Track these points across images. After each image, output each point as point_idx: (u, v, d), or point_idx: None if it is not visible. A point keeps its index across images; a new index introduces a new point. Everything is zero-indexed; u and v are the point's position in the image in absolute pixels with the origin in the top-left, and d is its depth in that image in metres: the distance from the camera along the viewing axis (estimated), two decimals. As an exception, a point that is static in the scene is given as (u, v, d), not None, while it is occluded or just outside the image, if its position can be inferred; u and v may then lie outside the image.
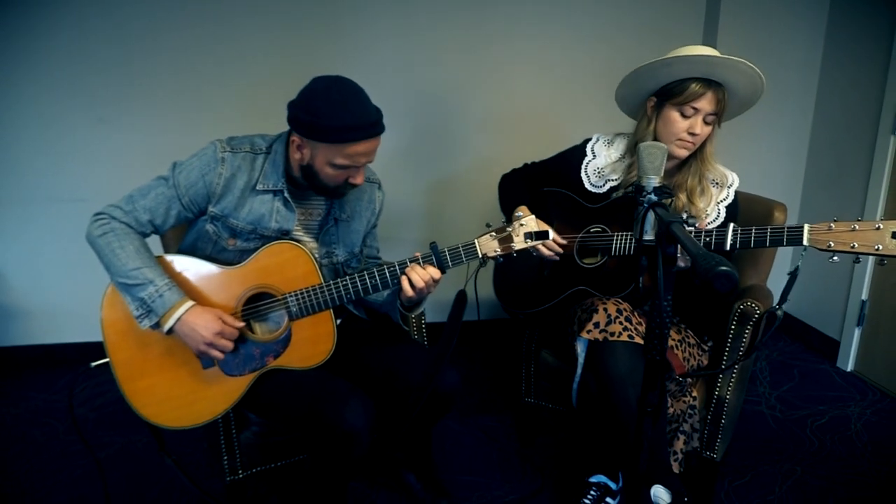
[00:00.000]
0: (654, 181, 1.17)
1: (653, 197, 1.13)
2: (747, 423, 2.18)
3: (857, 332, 2.54)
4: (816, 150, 2.78)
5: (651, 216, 1.09)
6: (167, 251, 1.61)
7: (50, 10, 2.26)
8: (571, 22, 2.58)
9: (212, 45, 2.38)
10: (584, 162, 1.72)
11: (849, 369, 2.57)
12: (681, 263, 1.18)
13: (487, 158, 2.63)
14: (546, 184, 1.79)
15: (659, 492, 1.39)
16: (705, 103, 1.48)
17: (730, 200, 1.62)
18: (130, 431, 2.08)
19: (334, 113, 1.27)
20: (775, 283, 1.45)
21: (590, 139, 1.75)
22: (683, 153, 1.55)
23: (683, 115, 1.50)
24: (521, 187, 1.79)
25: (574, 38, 2.59)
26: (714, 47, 2.59)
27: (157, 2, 2.32)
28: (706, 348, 1.69)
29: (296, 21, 2.42)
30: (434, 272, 1.37)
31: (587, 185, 1.71)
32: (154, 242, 1.52)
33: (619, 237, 1.58)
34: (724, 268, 0.75)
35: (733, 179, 1.64)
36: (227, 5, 2.36)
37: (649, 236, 1.13)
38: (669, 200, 1.57)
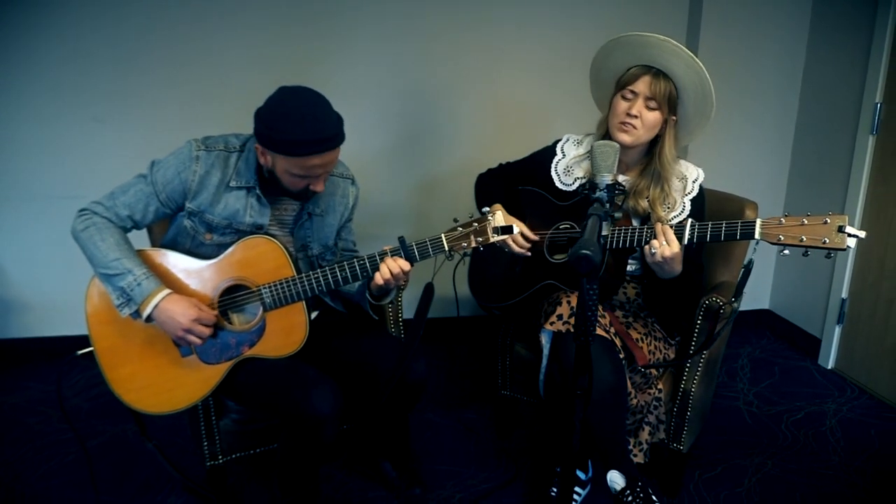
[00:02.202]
0: (606, 178, 1.23)
1: (603, 194, 1.19)
2: (722, 417, 2.21)
3: (837, 330, 2.57)
4: (800, 150, 2.81)
5: (602, 212, 1.14)
6: (154, 245, 1.68)
7: (47, 10, 2.32)
8: (554, 25, 2.62)
9: (207, 43, 2.43)
10: (554, 161, 1.77)
11: (829, 367, 2.60)
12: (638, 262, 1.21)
13: (470, 158, 2.67)
14: (520, 183, 1.84)
15: (614, 476, 1.44)
16: (641, 85, 1.55)
17: (695, 194, 1.66)
18: (121, 420, 2.15)
19: (289, 128, 1.32)
20: (750, 280, 1.50)
21: (560, 140, 1.80)
22: (625, 138, 1.57)
23: (624, 99, 1.58)
24: (495, 186, 1.85)
25: (557, 41, 2.64)
26: (696, 48, 2.66)
27: (153, 0, 2.37)
28: (673, 342, 1.73)
29: (288, 19, 2.46)
30: (403, 264, 1.43)
31: (557, 184, 1.76)
32: (143, 238, 1.58)
33: (586, 233, 1.63)
34: (583, 251, 0.84)
35: (699, 174, 1.68)
36: (222, 4, 2.41)
37: (605, 231, 1.18)
38: (622, 197, 1.63)
